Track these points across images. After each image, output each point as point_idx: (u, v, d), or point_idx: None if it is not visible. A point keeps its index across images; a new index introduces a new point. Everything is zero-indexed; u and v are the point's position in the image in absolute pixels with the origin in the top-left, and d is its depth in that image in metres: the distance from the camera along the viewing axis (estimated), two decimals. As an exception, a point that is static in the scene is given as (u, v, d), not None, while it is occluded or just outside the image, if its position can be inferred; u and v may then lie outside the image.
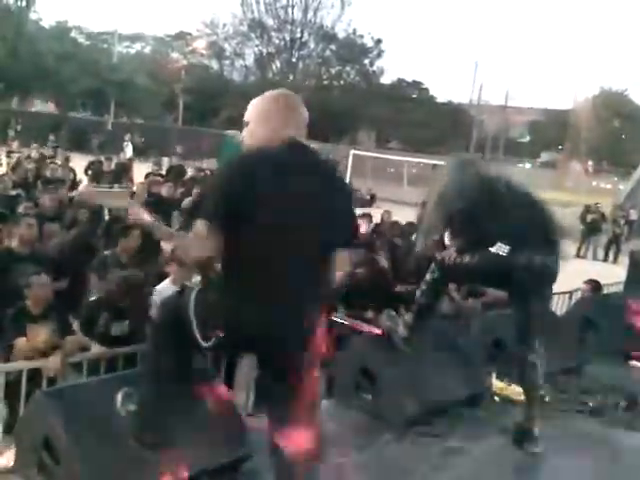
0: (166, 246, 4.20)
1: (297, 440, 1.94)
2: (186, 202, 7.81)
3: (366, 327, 4.11)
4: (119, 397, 2.26)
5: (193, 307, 1.91)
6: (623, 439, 3.29)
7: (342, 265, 2.02)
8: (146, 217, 2.31)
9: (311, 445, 1.96)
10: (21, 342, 3.47)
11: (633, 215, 16.39)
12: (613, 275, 7.94)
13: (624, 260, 9.83)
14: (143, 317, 3.82)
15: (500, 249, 2.88)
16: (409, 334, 3.29)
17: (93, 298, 4.07)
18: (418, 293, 3.27)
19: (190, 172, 12.87)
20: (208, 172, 13.56)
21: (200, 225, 1.84)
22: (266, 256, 1.83)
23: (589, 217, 14.65)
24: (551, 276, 3.04)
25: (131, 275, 4.08)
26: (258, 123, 1.98)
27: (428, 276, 3.19)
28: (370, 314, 4.64)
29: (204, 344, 1.89)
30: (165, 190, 8.32)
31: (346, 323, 4.09)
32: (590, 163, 35.78)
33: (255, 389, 3.16)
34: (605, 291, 6.23)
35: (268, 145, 1.92)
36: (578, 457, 3.04)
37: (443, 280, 3.25)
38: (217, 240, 1.82)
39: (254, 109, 2.01)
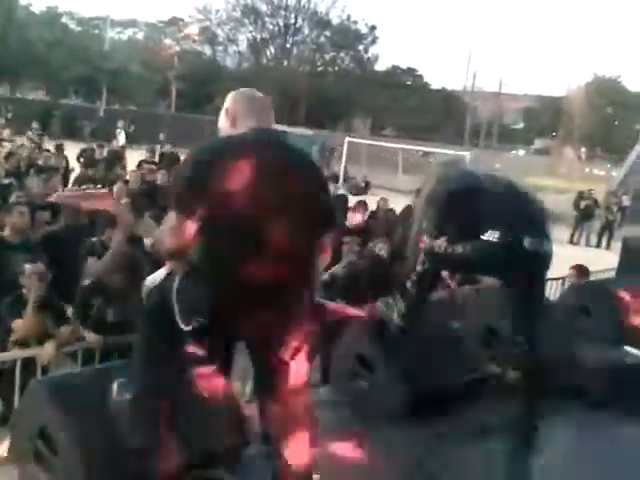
0: (147, 242, 4.17)
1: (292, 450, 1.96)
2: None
3: (359, 312, 4.12)
4: (115, 386, 2.25)
5: (175, 292, 1.93)
6: (618, 425, 3.32)
7: (323, 250, 2.03)
8: (128, 216, 2.30)
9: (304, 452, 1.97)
10: (19, 323, 3.48)
11: (626, 201, 16.46)
12: (606, 261, 7.98)
13: (617, 246, 9.89)
14: (138, 301, 3.82)
15: (491, 236, 2.92)
16: (404, 322, 3.31)
17: (86, 283, 4.05)
18: (409, 284, 3.29)
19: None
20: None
21: (171, 216, 1.86)
22: (240, 242, 1.83)
23: (582, 203, 14.71)
24: (545, 259, 3.06)
25: (125, 253, 4.08)
26: (242, 118, 2.00)
27: (418, 267, 3.21)
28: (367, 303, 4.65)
29: (185, 328, 1.91)
30: (159, 178, 8.29)
31: (338, 310, 4.10)
32: (583, 150, 35.81)
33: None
34: (598, 277, 6.27)
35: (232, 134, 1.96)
36: (573, 442, 3.07)
37: (433, 270, 3.26)
38: (189, 229, 1.83)
39: (240, 102, 2.04)
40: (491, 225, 2.93)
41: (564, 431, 3.15)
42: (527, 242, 2.92)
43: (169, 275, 2.06)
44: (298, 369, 1.99)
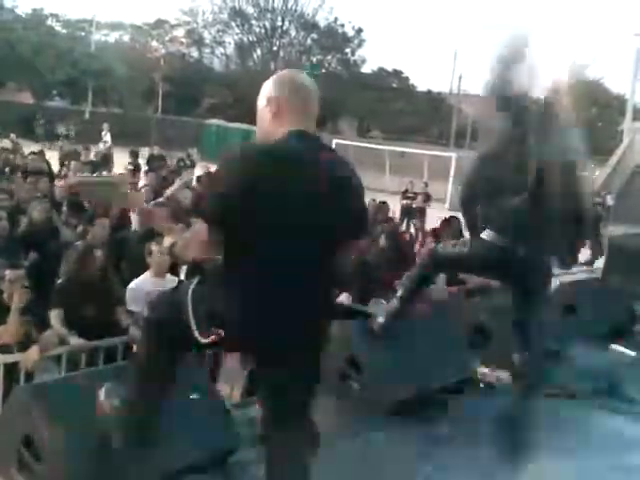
0: (166, 240, 4.15)
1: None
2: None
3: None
4: (102, 392, 2.21)
5: (190, 302, 1.82)
6: (606, 422, 3.34)
7: (346, 254, 1.98)
8: (141, 204, 2.23)
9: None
10: (1, 329, 3.43)
11: (609, 201, 16.59)
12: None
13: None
14: (111, 297, 3.96)
15: (489, 236, 2.83)
16: (390, 321, 3.29)
17: (60, 281, 4.05)
18: (404, 278, 3.28)
19: (169, 162, 12.76)
20: (189, 162, 13.43)
21: (199, 225, 1.76)
22: (272, 254, 1.74)
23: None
24: (543, 268, 3.02)
25: (84, 245, 4.23)
26: (287, 111, 1.83)
27: (418, 264, 3.23)
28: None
29: (203, 340, 1.81)
30: (148, 180, 8.27)
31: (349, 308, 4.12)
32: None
33: (251, 381, 3.14)
34: (585, 276, 6.33)
35: (273, 137, 1.81)
36: (562, 441, 3.07)
37: (431, 269, 3.25)
38: (218, 240, 1.74)
39: (286, 91, 1.84)
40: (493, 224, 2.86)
41: (551, 428, 3.15)
42: (526, 247, 2.84)
43: (180, 284, 1.98)
44: (311, 379, 1.96)
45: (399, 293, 3.30)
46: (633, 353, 4.43)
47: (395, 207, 9.62)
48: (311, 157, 1.78)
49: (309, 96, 1.88)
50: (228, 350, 2.66)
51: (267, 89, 1.88)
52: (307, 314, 1.84)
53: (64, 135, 18.75)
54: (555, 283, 5.92)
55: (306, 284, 1.80)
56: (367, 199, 8.89)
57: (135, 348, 2.23)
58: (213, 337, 1.80)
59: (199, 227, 1.76)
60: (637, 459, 3.00)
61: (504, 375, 3.65)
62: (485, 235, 2.84)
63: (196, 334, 1.82)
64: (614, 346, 4.55)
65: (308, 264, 1.79)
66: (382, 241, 5.68)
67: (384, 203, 8.39)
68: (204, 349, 2.14)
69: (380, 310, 3.40)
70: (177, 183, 7.27)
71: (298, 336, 1.84)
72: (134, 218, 5.67)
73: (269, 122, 1.86)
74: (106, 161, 12.71)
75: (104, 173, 10.20)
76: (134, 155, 12.66)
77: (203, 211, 1.77)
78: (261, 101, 1.89)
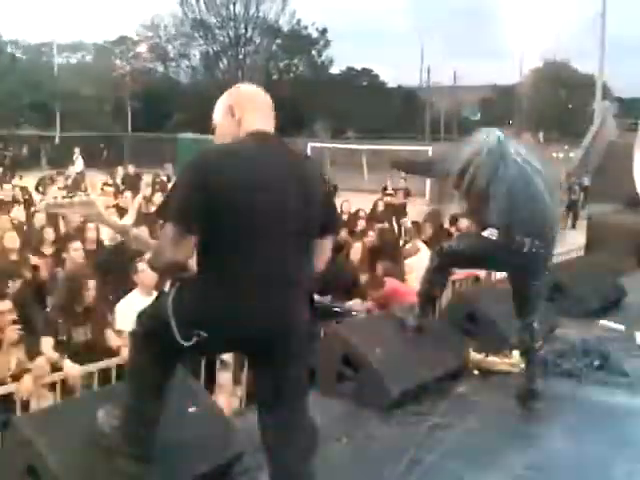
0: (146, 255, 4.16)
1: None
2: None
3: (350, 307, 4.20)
4: (100, 414, 2.20)
5: (171, 308, 1.85)
6: (600, 397, 3.39)
7: (324, 252, 2.00)
8: (118, 224, 2.24)
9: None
10: None
11: (586, 181, 16.83)
12: (574, 240, 8.17)
13: (582, 225, 10.13)
14: (104, 317, 3.93)
15: (491, 234, 2.95)
16: (418, 323, 3.46)
17: (49, 309, 4.03)
18: (420, 281, 3.41)
19: (145, 180, 12.66)
20: (165, 178, 13.34)
21: (169, 228, 1.79)
22: (241, 250, 1.78)
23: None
24: (541, 257, 3.07)
25: (69, 273, 4.19)
26: (244, 118, 1.92)
27: (428, 264, 3.33)
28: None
29: (185, 343, 1.83)
30: (123, 201, 8.17)
31: (329, 306, 4.15)
32: (541, 134, 36.51)
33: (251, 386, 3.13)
34: (568, 256, 6.43)
35: (235, 138, 1.90)
36: (559, 417, 3.12)
37: (441, 267, 3.34)
38: (189, 240, 1.78)
39: (240, 100, 1.95)
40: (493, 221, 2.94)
41: (546, 406, 3.20)
42: (524, 241, 2.94)
43: (161, 294, 1.99)
44: (300, 375, 1.97)
45: (418, 294, 3.48)
46: (622, 327, 4.50)
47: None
48: (271, 152, 1.87)
49: (263, 103, 2.00)
50: (214, 350, 2.66)
51: (222, 102, 2.00)
52: (287, 302, 1.86)
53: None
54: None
55: (282, 275, 1.83)
56: (343, 199, 8.96)
57: (126, 365, 2.22)
58: (196, 339, 1.82)
59: (169, 229, 1.79)
60: (633, 431, 3.05)
61: (497, 360, 3.69)
62: (487, 233, 2.97)
63: (178, 338, 1.83)
64: (603, 322, 4.63)
65: (275, 256, 1.82)
66: (373, 239, 5.76)
67: (362, 210, 8.43)
68: (192, 354, 2.12)
69: (406, 313, 3.53)
70: (138, 197, 7.30)
71: (276, 324, 1.85)
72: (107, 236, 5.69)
73: (233, 129, 1.94)
74: (78, 185, 12.56)
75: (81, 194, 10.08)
76: (112, 177, 12.59)
77: (171, 213, 1.79)
78: (217, 114, 1.99)
